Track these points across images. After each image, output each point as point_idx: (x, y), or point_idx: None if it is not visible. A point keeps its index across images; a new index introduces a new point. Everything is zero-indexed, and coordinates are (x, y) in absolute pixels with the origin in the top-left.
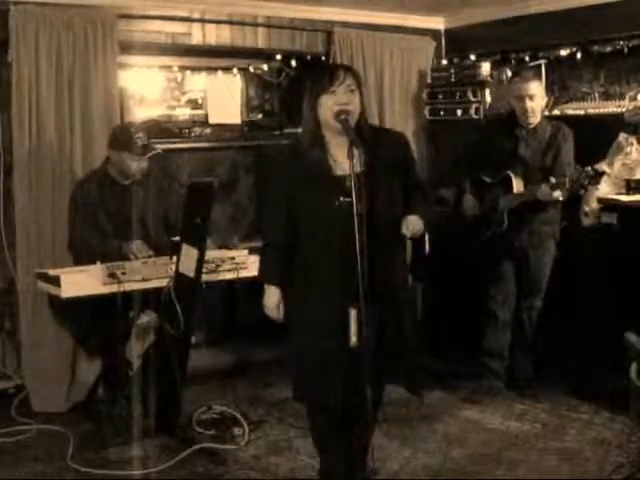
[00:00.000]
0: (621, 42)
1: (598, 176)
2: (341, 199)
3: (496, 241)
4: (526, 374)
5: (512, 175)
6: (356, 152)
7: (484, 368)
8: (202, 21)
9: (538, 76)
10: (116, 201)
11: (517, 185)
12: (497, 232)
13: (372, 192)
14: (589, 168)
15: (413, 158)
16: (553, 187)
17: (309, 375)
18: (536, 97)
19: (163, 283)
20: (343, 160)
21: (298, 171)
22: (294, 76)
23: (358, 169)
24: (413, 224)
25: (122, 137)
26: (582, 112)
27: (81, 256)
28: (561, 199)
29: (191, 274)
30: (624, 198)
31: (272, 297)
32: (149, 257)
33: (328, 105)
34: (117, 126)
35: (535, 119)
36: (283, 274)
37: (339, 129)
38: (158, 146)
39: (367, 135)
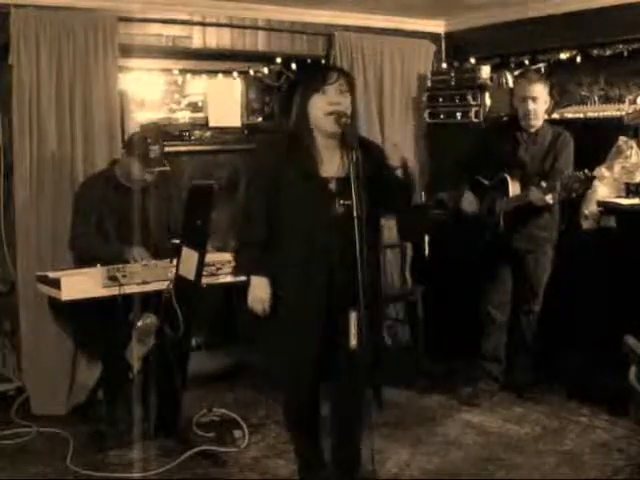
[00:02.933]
0: (621, 46)
1: (588, 180)
2: (325, 201)
3: (493, 244)
4: (526, 378)
5: (508, 178)
6: (339, 155)
7: (481, 371)
8: (202, 24)
9: (543, 78)
10: (119, 203)
11: (513, 188)
12: (494, 234)
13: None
14: (580, 172)
15: (390, 167)
16: (545, 191)
17: (288, 370)
18: (539, 100)
19: (163, 286)
20: (329, 162)
21: (283, 169)
22: (294, 79)
23: (342, 174)
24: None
25: (136, 142)
26: (582, 115)
27: (82, 255)
28: (551, 202)
29: (191, 277)
30: (624, 201)
31: (263, 288)
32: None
33: (319, 104)
34: (137, 131)
35: (537, 122)
36: (269, 267)
37: (332, 131)
38: None
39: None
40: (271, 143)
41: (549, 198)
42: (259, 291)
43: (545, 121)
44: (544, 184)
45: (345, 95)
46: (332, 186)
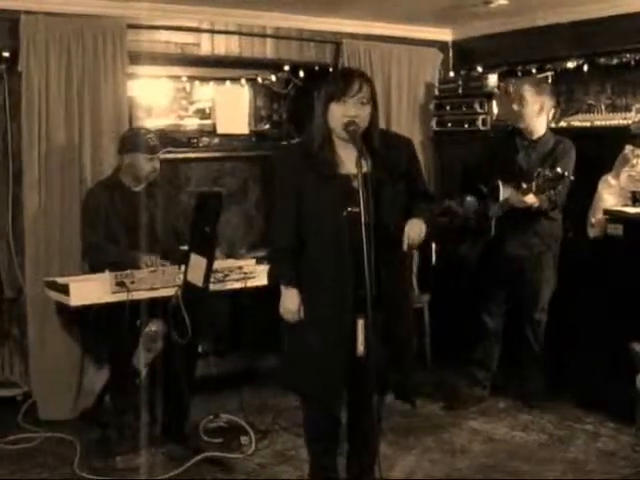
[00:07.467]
0: (628, 54)
1: (557, 179)
2: (347, 204)
3: (491, 252)
4: (538, 388)
5: (500, 184)
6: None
7: (470, 377)
8: (211, 32)
9: (535, 83)
10: (126, 208)
11: (504, 194)
12: (486, 241)
13: (376, 197)
14: (548, 171)
15: (419, 164)
16: (524, 192)
17: (312, 376)
18: (527, 102)
19: (171, 292)
20: (349, 163)
21: (305, 172)
22: (302, 87)
23: (364, 170)
24: (413, 233)
25: (133, 139)
26: (589, 124)
27: (96, 263)
28: (530, 203)
29: (199, 283)
30: (630, 210)
31: (293, 299)
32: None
33: (337, 115)
34: (126, 131)
35: (523, 124)
36: (297, 276)
37: (347, 138)
38: (166, 155)
39: (376, 143)
40: (289, 151)
41: (529, 199)
42: (291, 302)
43: (549, 130)
44: (524, 185)
45: (364, 106)
46: (355, 184)
